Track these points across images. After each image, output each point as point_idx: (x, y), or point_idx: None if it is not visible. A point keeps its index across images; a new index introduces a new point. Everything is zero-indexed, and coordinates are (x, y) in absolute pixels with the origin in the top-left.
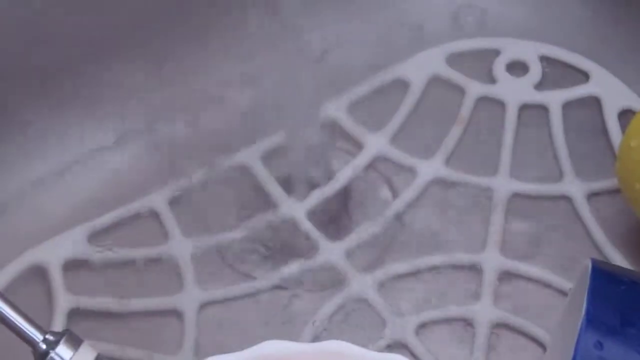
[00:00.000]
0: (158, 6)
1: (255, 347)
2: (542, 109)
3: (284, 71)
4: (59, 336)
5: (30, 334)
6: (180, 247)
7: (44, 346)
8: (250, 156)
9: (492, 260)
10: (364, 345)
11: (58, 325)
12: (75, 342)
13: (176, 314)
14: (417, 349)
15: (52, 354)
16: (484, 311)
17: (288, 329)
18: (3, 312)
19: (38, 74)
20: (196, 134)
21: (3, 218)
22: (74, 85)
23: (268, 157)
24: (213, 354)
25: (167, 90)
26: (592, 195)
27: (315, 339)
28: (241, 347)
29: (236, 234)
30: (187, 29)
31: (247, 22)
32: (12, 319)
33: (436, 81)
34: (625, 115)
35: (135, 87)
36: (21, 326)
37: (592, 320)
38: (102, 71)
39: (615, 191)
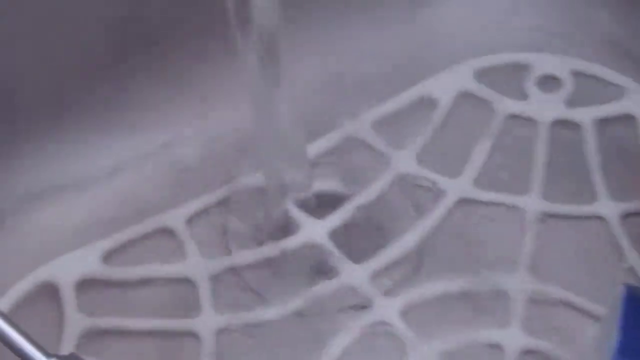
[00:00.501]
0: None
1: None
2: (575, 126)
3: (307, 85)
4: (64, 359)
5: (34, 357)
6: (198, 267)
7: None
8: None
9: (522, 283)
10: None
11: (69, 346)
12: None
13: (193, 337)
14: None
15: None
16: (513, 337)
17: (307, 356)
18: (5, 333)
19: (51, 87)
20: (213, 151)
21: (15, 233)
22: (88, 100)
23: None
24: None
25: (184, 108)
26: (627, 216)
27: None
28: None
29: (255, 255)
30: (201, 48)
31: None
32: (15, 341)
33: (464, 98)
34: None
35: (150, 104)
36: (24, 349)
37: (624, 351)
38: (116, 88)
39: None
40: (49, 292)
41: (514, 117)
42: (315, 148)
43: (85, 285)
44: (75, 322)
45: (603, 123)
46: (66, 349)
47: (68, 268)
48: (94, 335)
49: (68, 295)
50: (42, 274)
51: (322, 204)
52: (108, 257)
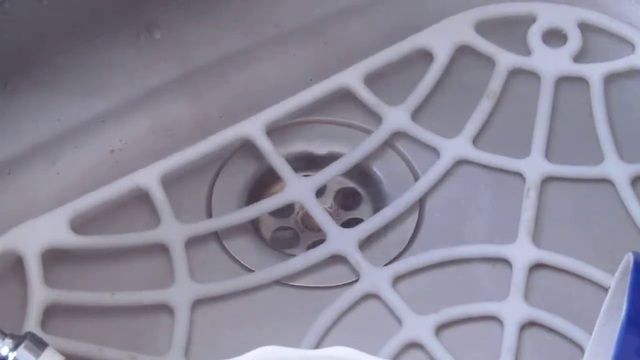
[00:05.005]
0: None
1: (249, 355)
2: (582, 82)
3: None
4: (19, 339)
5: None
6: (173, 232)
7: (2, 351)
8: (254, 128)
9: (523, 251)
10: (376, 348)
11: (33, 322)
12: (38, 347)
13: (166, 310)
14: (436, 351)
15: None
16: (513, 308)
17: (291, 330)
18: None
19: (26, 50)
20: (193, 105)
21: None
22: (62, 61)
23: (275, 130)
24: (205, 356)
25: (163, 64)
26: (636, 179)
27: (321, 341)
28: (238, 350)
29: (237, 219)
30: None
31: None
32: None
33: (464, 51)
34: None
35: (128, 61)
36: None
37: (633, 322)
38: (92, 48)
39: None
40: (12, 263)
41: (516, 72)
42: (303, 100)
43: (51, 255)
44: (40, 297)
45: (612, 79)
46: (30, 325)
47: (33, 236)
48: (60, 312)
49: (32, 267)
50: (4, 242)
51: (311, 165)
52: (76, 223)
